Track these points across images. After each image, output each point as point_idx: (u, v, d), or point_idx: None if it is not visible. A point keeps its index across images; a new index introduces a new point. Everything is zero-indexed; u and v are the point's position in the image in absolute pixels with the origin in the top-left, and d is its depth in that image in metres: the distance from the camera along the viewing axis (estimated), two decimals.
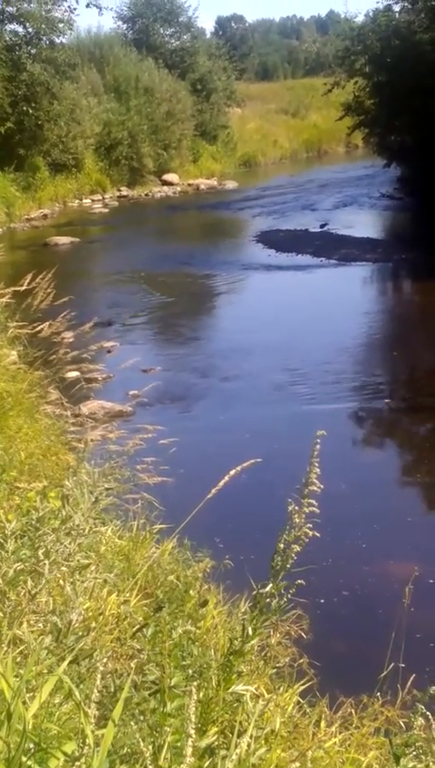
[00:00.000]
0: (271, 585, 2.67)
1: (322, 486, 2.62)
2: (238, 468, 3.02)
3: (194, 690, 1.86)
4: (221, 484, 3.02)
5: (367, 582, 7.73)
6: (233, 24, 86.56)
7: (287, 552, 2.64)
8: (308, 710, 4.55)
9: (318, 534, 2.64)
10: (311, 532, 2.63)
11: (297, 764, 2.89)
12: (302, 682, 4.74)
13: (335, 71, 36.41)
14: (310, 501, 2.62)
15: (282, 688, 4.54)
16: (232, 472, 3.00)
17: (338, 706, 4.73)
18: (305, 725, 4.28)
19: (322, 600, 7.03)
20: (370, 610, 7.26)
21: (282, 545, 2.65)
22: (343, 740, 4.25)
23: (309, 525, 2.63)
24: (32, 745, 1.97)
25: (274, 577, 2.66)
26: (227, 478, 3.00)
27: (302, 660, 5.11)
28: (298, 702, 4.54)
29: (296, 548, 2.63)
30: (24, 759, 1.89)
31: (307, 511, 2.62)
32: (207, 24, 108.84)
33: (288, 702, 4.38)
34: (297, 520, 2.62)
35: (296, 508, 2.63)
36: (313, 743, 4.06)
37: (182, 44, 49.86)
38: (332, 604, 7.28)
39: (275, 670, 4.67)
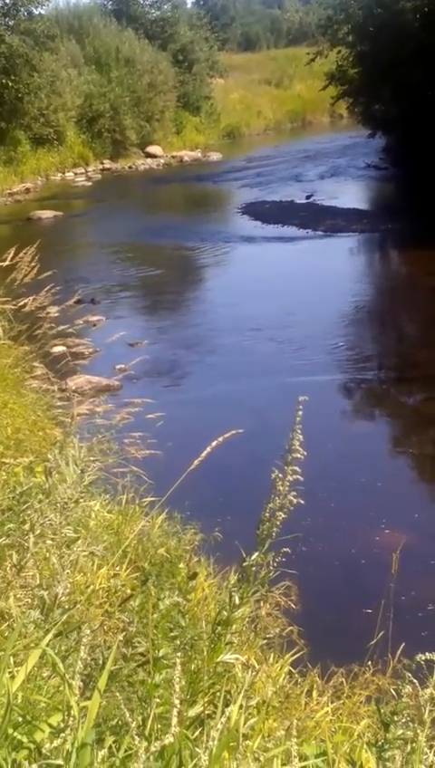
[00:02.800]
0: (257, 553, 2.65)
1: (305, 453, 2.60)
2: (220, 439, 3.00)
3: (178, 661, 1.85)
4: (204, 454, 3.00)
5: (356, 552, 7.74)
6: None
7: (272, 520, 2.62)
8: (300, 680, 4.56)
9: (303, 502, 2.62)
10: (296, 500, 2.61)
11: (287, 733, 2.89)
12: (292, 652, 4.75)
13: (318, 40, 36.25)
14: (294, 468, 2.60)
15: (272, 659, 4.55)
16: (214, 443, 2.98)
17: (329, 676, 4.74)
18: (297, 695, 4.30)
19: (311, 571, 7.03)
20: (359, 580, 7.28)
21: (267, 513, 2.64)
22: (335, 709, 4.26)
23: (294, 493, 2.61)
24: (19, 718, 1.96)
25: (259, 545, 2.65)
26: (209, 449, 2.98)
27: (291, 629, 5.12)
28: (290, 672, 4.55)
29: (281, 515, 2.61)
30: (10, 731, 1.88)
31: (291, 478, 2.60)
32: None
33: (279, 672, 4.39)
34: (281, 488, 2.60)
35: (280, 476, 2.61)
36: (304, 712, 4.07)
37: (163, 14, 49.43)
38: (321, 574, 7.29)
39: (265, 641, 4.68)
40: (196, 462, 3.07)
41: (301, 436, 2.60)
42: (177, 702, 1.79)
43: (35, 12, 35.43)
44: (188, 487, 4.21)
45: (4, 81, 32.93)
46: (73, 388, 10.71)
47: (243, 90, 55.39)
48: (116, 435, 7.16)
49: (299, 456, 2.59)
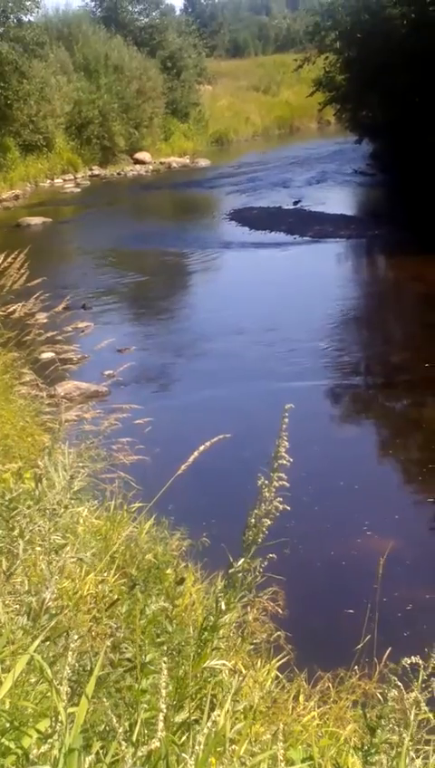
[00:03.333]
0: (243, 559, 2.67)
1: (291, 460, 2.62)
2: (207, 444, 3.02)
3: (164, 666, 1.86)
4: (191, 459, 3.02)
5: (342, 557, 7.77)
6: (202, 1, 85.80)
7: (258, 526, 2.64)
8: (287, 685, 4.57)
9: (289, 508, 2.64)
10: (282, 506, 2.63)
11: (274, 738, 2.91)
12: (279, 657, 4.77)
13: (306, 46, 36.33)
14: (280, 474, 2.62)
15: (260, 664, 4.56)
16: (201, 448, 3.00)
17: (316, 681, 4.75)
18: (284, 700, 4.31)
19: (298, 576, 7.04)
20: (346, 584, 7.31)
21: (253, 520, 2.65)
22: (322, 714, 4.28)
23: (279, 499, 2.63)
24: (7, 724, 1.97)
25: (245, 551, 2.66)
26: (196, 454, 3.00)
27: (278, 634, 5.13)
28: (277, 677, 4.57)
29: (267, 522, 2.63)
30: None
31: (277, 485, 2.62)
32: (176, 0, 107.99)
33: (266, 677, 4.41)
34: (267, 494, 2.62)
35: (266, 482, 2.63)
36: (291, 717, 4.09)
37: (151, 21, 49.55)
38: (308, 579, 7.31)
39: (252, 646, 4.69)
40: (183, 467, 3.09)
41: (287, 443, 2.62)
42: (163, 707, 1.81)
43: (25, 19, 35.55)
44: (176, 492, 4.23)
45: None
46: (62, 394, 10.71)
47: (231, 96, 55.50)
48: (104, 441, 7.16)
49: (285, 462, 2.61)
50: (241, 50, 78.42)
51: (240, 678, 3.26)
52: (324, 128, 54.34)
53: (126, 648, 2.62)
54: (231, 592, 2.66)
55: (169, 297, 19.15)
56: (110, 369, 11.32)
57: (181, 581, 4.83)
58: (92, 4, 50.03)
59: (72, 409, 8.96)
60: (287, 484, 2.63)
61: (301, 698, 4.43)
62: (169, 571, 4.93)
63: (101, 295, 18.17)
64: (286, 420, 2.62)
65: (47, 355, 10.52)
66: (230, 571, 2.68)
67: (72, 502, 3.39)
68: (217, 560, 5.18)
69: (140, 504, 6.25)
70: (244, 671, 4.09)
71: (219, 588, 2.81)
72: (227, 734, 2.21)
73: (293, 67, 36.02)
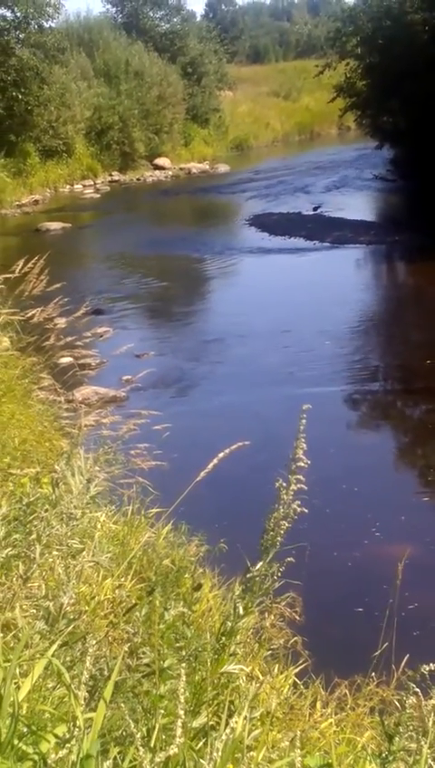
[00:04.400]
0: (261, 563, 2.66)
1: (309, 462, 2.61)
2: (227, 451, 3.01)
3: (183, 671, 1.86)
4: (210, 466, 3.01)
5: (361, 563, 7.75)
6: (223, 7, 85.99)
7: (276, 529, 2.63)
8: (304, 691, 4.56)
9: (307, 511, 2.63)
10: (299, 509, 2.62)
11: (291, 744, 2.90)
12: (297, 664, 4.75)
13: (327, 52, 36.29)
14: (298, 477, 2.61)
15: (277, 670, 4.55)
16: (221, 454, 2.99)
17: (333, 687, 4.74)
18: (301, 707, 4.30)
19: (316, 582, 7.03)
20: (364, 591, 7.28)
21: (271, 523, 2.65)
22: (339, 720, 4.26)
23: (298, 502, 2.62)
24: (24, 729, 1.97)
25: (263, 555, 2.66)
26: (215, 460, 3.00)
27: (295, 640, 5.12)
28: (294, 683, 4.55)
29: (285, 525, 2.62)
30: (15, 742, 1.89)
31: (295, 488, 2.61)
32: (197, 6, 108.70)
33: (284, 684, 4.39)
34: (285, 497, 2.61)
35: (284, 485, 2.62)
36: (308, 723, 4.08)
37: (172, 27, 49.67)
38: (326, 585, 7.29)
39: (269, 652, 4.68)
40: (202, 474, 3.09)
41: (305, 445, 2.61)
42: (181, 713, 1.80)
43: (46, 25, 35.67)
44: (194, 498, 4.23)
45: (14, 93, 33.10)
46: (80, 399, 10.73)
47: (251, 102, 55.55)
48: (122, 446, 7.17)
49: (303, 464, 2.60)
50: (262, 56, 78.56)
51: (257, 684, 3.25)
52: (344, 134, 54.31)
53: (143, 653, 2.62)
54: (249, 597, 2.65)
55: (187, 302, 19.17)
56: (128, 374, 11.36)
57: (199, 587, 4.83)
58: (114, 10, 50.27)
59: (90, 414, 8.97)
60: (305, 488, 2.62)
61: (318, 705, 4.41)
62: (186, 576, 4.93)
63: (119, 300, 18.22)
64: (304, 422, 2.61)
65: (66, 360, 10.55)
66: (248, 575, 2.67)
67: (90, 506, 3.39)
68: (234, 566, 5.17)
69: (158, 510, 6.25)
70: (261, 677, 4.08)
71: (236, 593, 2.80)
72: (244, 740, 2.21)
73: (313, 73, 35.98)
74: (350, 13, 31.76)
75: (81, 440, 6.79)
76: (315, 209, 27.56)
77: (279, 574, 2.69)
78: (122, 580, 4.76)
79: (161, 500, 6.44)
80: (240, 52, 75.49)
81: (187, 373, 13.45)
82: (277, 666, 4.60)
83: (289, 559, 2.73)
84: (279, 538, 2.62)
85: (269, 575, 2.66)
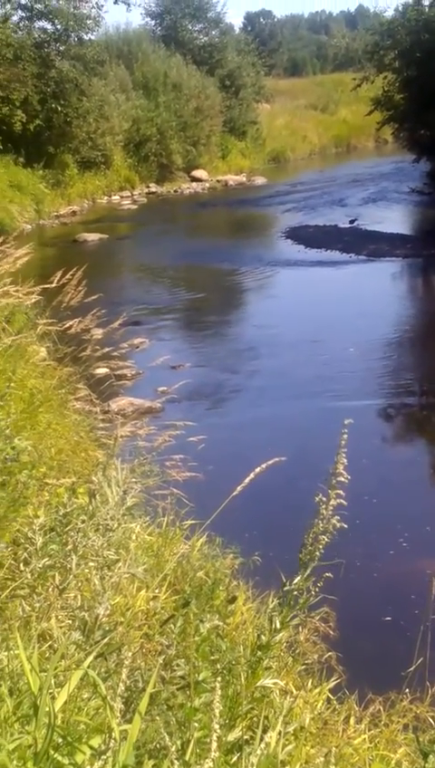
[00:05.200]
0: (299, 577, 2.66)
1: (349, 477, 2.61)
2: (264, 466, 3.01)
3: (218, 685, 1.86)
4: (247, 481, 3.01)
5: (396, 579, 7.70)
6: (262, 20, 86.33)
7: (315, 543, 2.63)
8: (337, 707, 4.54)
9: (346, 526, 2.63)
10: (339, 524, 2.61)
11: (325, 760, 2.89)
12: (331, 679, 4.73)
13: (364, 66, 36.33)
14: (338, 492, 2.60)
15: (310, 685, 4.54)
16: (257, 469, 2.99)
17: (367, 703, 4.72)
18: (334, 722, 4.28)
19: (349, 597, 7.00)
20: (398, 606, 7.24)
21: (310, 537, 2.64)
22: (373, 737, 4.24)
23: (337, 517, 2.61)
24: (59, 740, 1.98)
25: (302, 568, 2.65)
26: (252, 475, 3.00)
27: (329, 655, 5.10)
28: (327, 698, 4.54)
29: (324, 539, 2.62)
30: (51, 752, 1.90)
31: (334, 503, 2.61)
32: (235, 19, 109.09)
33: (317, 699, 4.38)
34: (324, 512, 2.61)
35: (323, 499, 2.62)
36: (342, 739, 4.06)
37: (211, 40, 49.79)
38: (359, 599, 7.26)
39: (303, 667, 4.67)
40: (239, 488, 3.08)
41: (345, 460, 2.61)
42: (217, 727, 1.80)
43: (86, 37, 35.87)
44: (228, 510, 4.23)
45: (53, 105, 33.32)
46: (116, 409, 10.76)
47: (289, 115, 55.61)
48: (157, 457, 7.18)
49: (343, 479, 2.59)
50: (299, 68, 78.68)
51: (291, 699, 3.24)
52: (381, 147, 54.22)
53: (178, 666, 2.62)
54: (286, 610, 2.65)
55: (223, 314, 19.19)
56: (164, 385, 11.37)
57: (233, 600, 4.82)
58: (153, 23, 50.48)
59: (125, 425, 8.99)
60: (345, 503, 2.61)
61: (351, 721, 4.39)
62: (220, 589, 4.92)
63: (156, 311, 18.27)
64: (345, 437, 2.61)
65: (102, 371, 10.59)
66: (285, 588, 2.67)
67: (125, 517, 3.40)
68: (268, 579, 5.16)
69: (193, 522, 6.25)
70: (295, 691, 4.07)
71: (271, 606, 2.79)
72: (279, 755, 2.20)
73: (351, 86, 36.08)
74: (388, 26, 31.79)
75: (116, 451, 6.81)
76: (352, 222, 27.50)
77: (316, 589, 2.68)
78: (156, 591, 4.77)
79: (196, 512, 6.45)
80: (278, 64, 75.66)
81: (222, 385, 13.46)
82: (311, 680, 4.58)
83: (327, 574, 2.72)
84: (318, 553, 2.62)
85: (306, 590, 2.65)
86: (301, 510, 2.86)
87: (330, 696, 4.57)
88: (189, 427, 8.09)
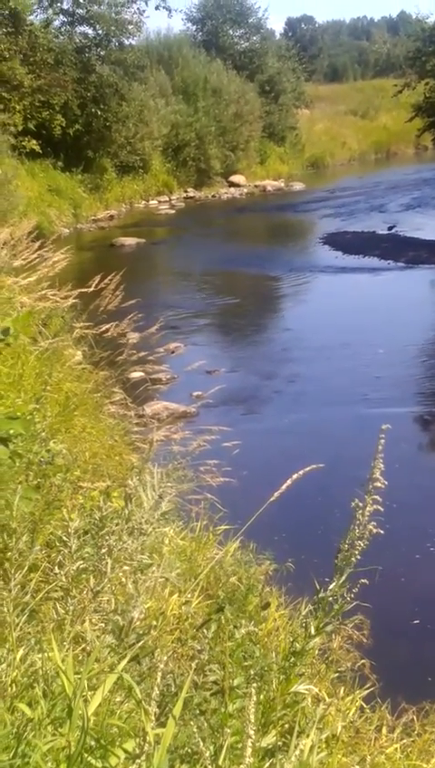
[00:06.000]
0: (335, 583, 2.65)
1: (386, 483, 2.59)
2: (301, 473, 3.00)
3: (253, 691, 1.86)
4: (283, 487, 3.01)
5: (430, 586, 7.65)
6: (303, 26, 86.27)
7: (351, 549, 2.62)
8: (370, 715, 4.52)
9: (382, 532, 2.61)
10: (375, 530, 2.60)
11: None
12: (364, 687, 4.71)
13: (406, 72, 36.22)
14: (374, 497, 2.59)
15: (343, 692, 4.52)
16: (294, 476, 2.99)
17: (400, 712, 4.69)
18: (367, 731, 4.26)
19: (383, 605, 6.96)
20: (431, 614, 7.19)
21: (346, 543, 2.63)
22: (405, 746, 4.21)
23: (373, 523, 2.60)
24: (93, 742, 1.99)
25: (337, 574, 2.64)
26: (289, 482, 2.99)
27: (363, 662, 5.07)
28: (360, 707, 4.52)
29: (361, 545, 2.61)
30: (85, 755, 1.90)
31: (371, 509, 2.59)
32: (276, 25, 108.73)
33: (350, 707, 4.36)
34: (360, 518, 2.60)
35: (360, 505, 2.61)
36: (374, 748, 4.04)
37: (251, 46, 49.90)
38: (394, 608, 7.22)
39: (336, 674, 4.65)
40: (275, 495, 3.08)
41: (382, 465, 2.60)
42: (251, 733, 1.80)
43: (126, 42, 36.08)
44: (262, 516, 4.22)
45: (93, 109, 33.53)
46: (151, 414, 10.78)
47: (328, 120, 55.58)
48: (192, 462, 7.18)
49: (380, 485, 2.58)
50: (340, 74, 78.60)
51: (324, 706, 3.23)
52: (422, 153, 54.02)
53: (211, 671, 2.62)
54: (320, 617, 2.64)
55: (259, 320, 19.18)
56: (199, 390, 11.39)
57: (266, 606, 4.82)
58: (194, 28, 50.69)
59: (160, 430, 9.01)
60: (381, 509, 2.60)
61: (384, 730, 4.37)
62: (253, 594, 4.92)
63: (192, 316, 18.29)
64: (383, 442, 2.59)
65: (137, 375, 10.61)
66: (320, 595, 2.66)
67: (159, 522, 3.40)
68: (302, 585, 5.15)
69: (226, 527, 6.25)
70: (327, 699, 4.06)
71: (304, 614, 2.78)
72: (313, 762, 2.19)
73: (392, 92, 36.01)
74: (430, 32, 31.74)
75: (151, 455, 6.82)
76: (390, 229, 27.41)
77: (352, 596, 2.67)
78: (189, 596, 4.77)
79: (229, 517, 6.45)
80: (318, 70, 75.65)
81: (257, 390, 13.44)
82: (344, 688, 4.57)
83: (363, 580, 2.71)
84: (353, 559, 2.61)
85: (341, 596, 2.64)
86: (334, 516, 2.86)
87: (362, 704, 4.54)
88: (224, 433, 8.10)
